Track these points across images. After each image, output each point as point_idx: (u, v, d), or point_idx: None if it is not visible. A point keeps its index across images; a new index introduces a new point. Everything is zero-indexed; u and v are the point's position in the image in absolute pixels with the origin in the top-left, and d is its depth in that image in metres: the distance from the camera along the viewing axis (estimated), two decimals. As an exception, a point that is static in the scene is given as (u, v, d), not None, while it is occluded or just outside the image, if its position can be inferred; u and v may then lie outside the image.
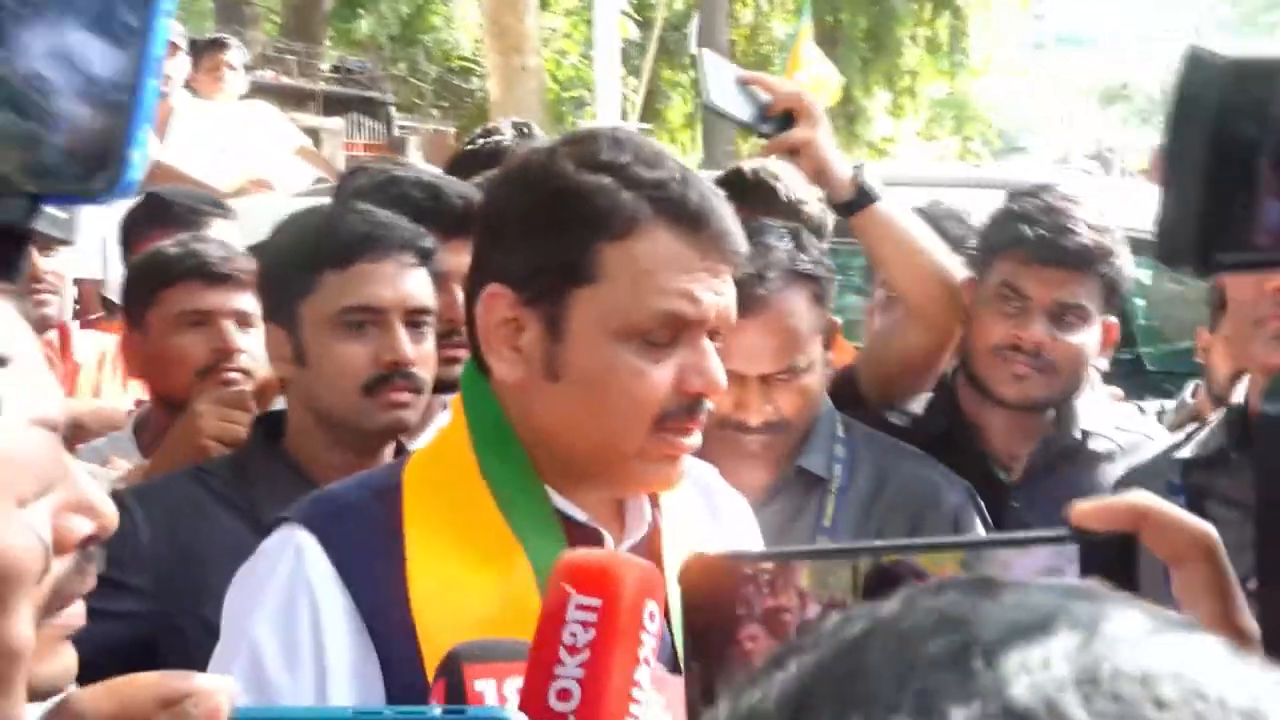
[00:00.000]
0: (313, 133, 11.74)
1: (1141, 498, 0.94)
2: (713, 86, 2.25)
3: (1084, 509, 0.90)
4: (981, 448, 2.30)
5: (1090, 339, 2.21)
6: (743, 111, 2.25)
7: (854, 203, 2.26)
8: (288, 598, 1.35)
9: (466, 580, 1.35)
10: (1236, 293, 1.83)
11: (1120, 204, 4.13)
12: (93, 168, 0.57)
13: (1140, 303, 4.56)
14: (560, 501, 1.41)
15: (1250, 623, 0.89)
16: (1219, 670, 0.38)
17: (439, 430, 1.48)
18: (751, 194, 3.07)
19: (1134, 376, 3.92)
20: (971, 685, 0.36)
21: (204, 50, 6.25)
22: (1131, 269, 2.24)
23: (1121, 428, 2.31)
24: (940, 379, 2.38)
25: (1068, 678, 0.36)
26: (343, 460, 1.94)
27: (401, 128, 16.81)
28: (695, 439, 1.40)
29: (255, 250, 2.33)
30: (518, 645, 1.10)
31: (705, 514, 1.55)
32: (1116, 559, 0.85)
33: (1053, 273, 2.16)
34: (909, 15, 17.52)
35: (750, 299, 2.01)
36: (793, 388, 2.09)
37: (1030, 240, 2.17)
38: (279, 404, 2.19)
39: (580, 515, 1.41)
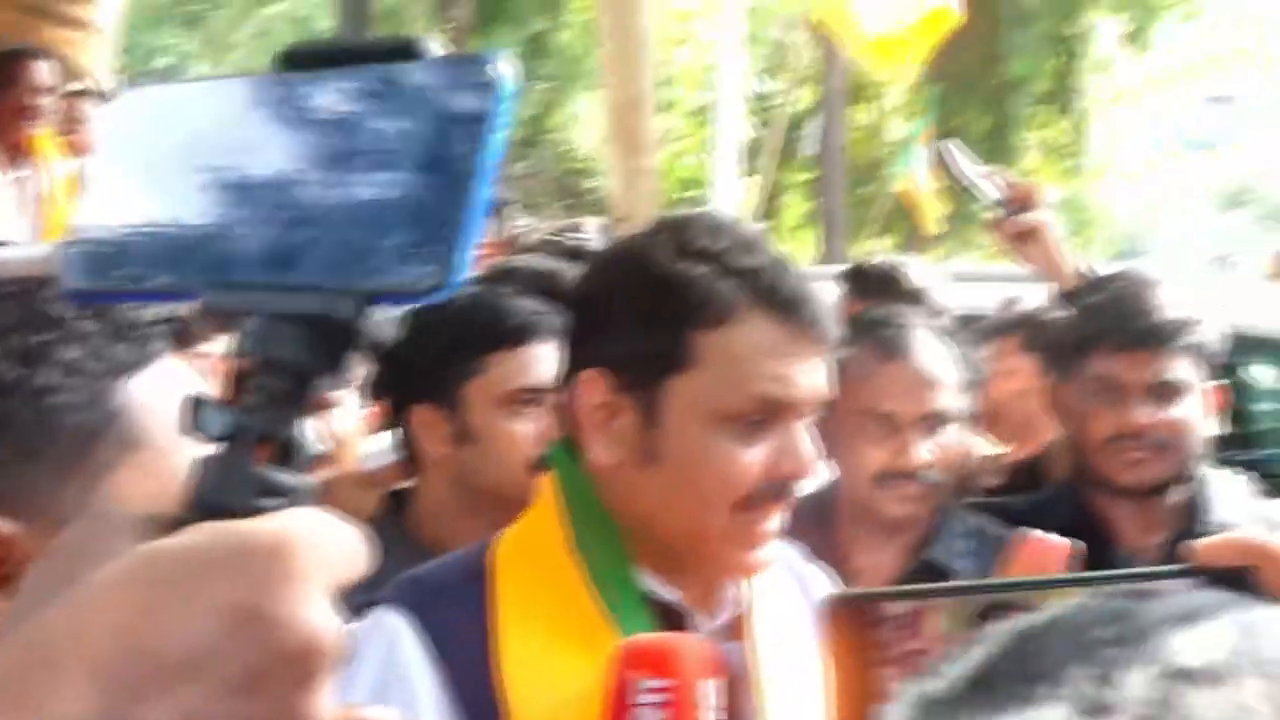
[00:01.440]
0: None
1: (1262, 534, 0.98)
2: (965, 167, 2.43)
3: (1205, 544, 0.95)
4: (1107, 541, 2.29)
5: (1193, 410, 2.21)
6: (989, 193, 2.41)
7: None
8: (380, 681, 1.37)
9: (558, 661, 1.36)
10: None
11: (1244, 305, 4.12)
12: (423, 269, 0.56)
13: (1262, 405, 4.50)
14: (651, 582, 1.42)
15: None
16: None
17: (528, 510, 1.50)
18: (878, 285, 3.14)
19: (1254, 480, 3.85)
20: (1142, 656, 0.42)
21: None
22: (1215, 333, 2.26)
23: (1260, 516, 2.29)
24: (1069, 475, 2.39)
25: (1225, 646, 0.42)
26: (483, 538, 2.00)
27: (520, 226, 17.08)
28: (778, 522, 1.42)
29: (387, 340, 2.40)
30: None
31: (797, 592, 1.56)
32: (1235, 592, 0.90)
33: (1141, 354, 2.20)
34: (1029, 118, 17.49)
35: (895, 341, 2.11)
36: (943, 439, 2.14)
37: (1112, 330, 2.19)
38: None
39: (670, 596, 1.42)
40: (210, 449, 0.58)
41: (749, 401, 1.37)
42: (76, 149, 5.36)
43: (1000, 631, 0.47)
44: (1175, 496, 2.25)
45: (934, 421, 2.14)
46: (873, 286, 3.05)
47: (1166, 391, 2.20)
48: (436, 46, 0.60)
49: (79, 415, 0.83)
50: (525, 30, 18.85)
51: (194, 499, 0.57)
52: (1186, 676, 0.41)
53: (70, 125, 5.44)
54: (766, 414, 1.38)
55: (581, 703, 1.30)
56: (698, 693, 1.11)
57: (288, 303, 0.59)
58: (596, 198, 17.25)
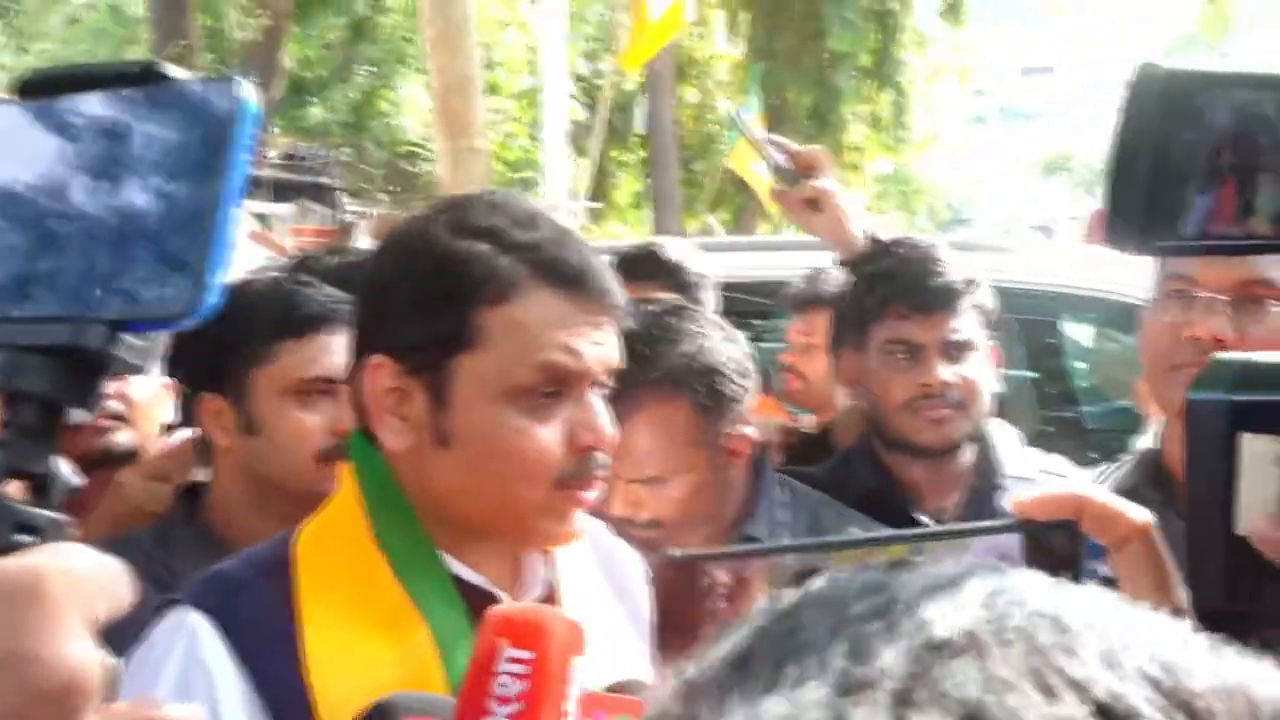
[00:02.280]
0: (262, 218, 11.77)
1: (1081, 487, 1.00)
2: (755, 132, 2.52)
3: (1027, 500, 0.96)
4: (908, 502, 2.32)
5: (982, 367, 2.28)
6: (777, 159, 2.42)
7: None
8: (182, 681, 1.33)
9: (365, 651, 1.33)
10: (1153, 340, 1.87)
11: (1066, 268, 4.22)
12: (173, 294, 0.56)
13: (1080, 363, 4.63)
14: (456, 566, 1.40)
15: (1185, 602, 0.95)
16: (1118, 608, 0.43)
17: (328, 500, 1.47)
18: (638, 263, 3.15)
19: (1075, 435, 3.98)
20: (896, 630, 0.41)
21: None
22: (990, 293, 2.33)
23: (1047, 471, 2.35)
24: (862, 440, 2.41)
25: (980, 615, 0.41)
26: (274, 530, 1.94)
27: (350, 212, 16.85)
28: (593, 494, 1.40)
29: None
30: (452, 702, 1.11)
31: (602, 567, 1.55)
32: (1060, 545, 0.92)
33: (935, 317, 2.25)
34: (852, 93, 17.80)
35: (627, 401, 1.80)
36: (663, 494, 1.97)
37: (902, 293, 2.24)
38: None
39: (476, 578, 1.40)
40: None
41: (536, 373, 1.36)
42: None
43: (758, 611, 0.46)
44: (968, 454, 2.31)
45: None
46: (637, 270, 3.08)
47: (958, 350, 2.26)
48: (177, 70, 0.59)
49: None
50: (346, 15, 18.57)
51: None
52: (941, 648, 0.40)
53: None
54: (556, 385, 1.37)
55: (391, 690, 1.26)
56: (563, 668, 1.10)
57: (32, 334, 0.57)
58: (426, 182, 17.10)
